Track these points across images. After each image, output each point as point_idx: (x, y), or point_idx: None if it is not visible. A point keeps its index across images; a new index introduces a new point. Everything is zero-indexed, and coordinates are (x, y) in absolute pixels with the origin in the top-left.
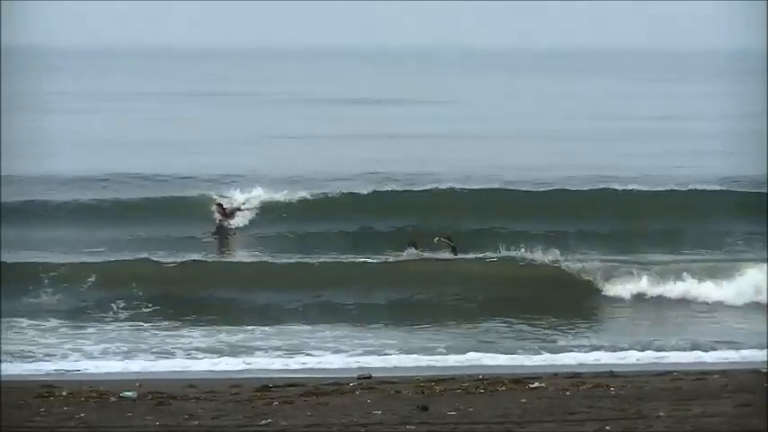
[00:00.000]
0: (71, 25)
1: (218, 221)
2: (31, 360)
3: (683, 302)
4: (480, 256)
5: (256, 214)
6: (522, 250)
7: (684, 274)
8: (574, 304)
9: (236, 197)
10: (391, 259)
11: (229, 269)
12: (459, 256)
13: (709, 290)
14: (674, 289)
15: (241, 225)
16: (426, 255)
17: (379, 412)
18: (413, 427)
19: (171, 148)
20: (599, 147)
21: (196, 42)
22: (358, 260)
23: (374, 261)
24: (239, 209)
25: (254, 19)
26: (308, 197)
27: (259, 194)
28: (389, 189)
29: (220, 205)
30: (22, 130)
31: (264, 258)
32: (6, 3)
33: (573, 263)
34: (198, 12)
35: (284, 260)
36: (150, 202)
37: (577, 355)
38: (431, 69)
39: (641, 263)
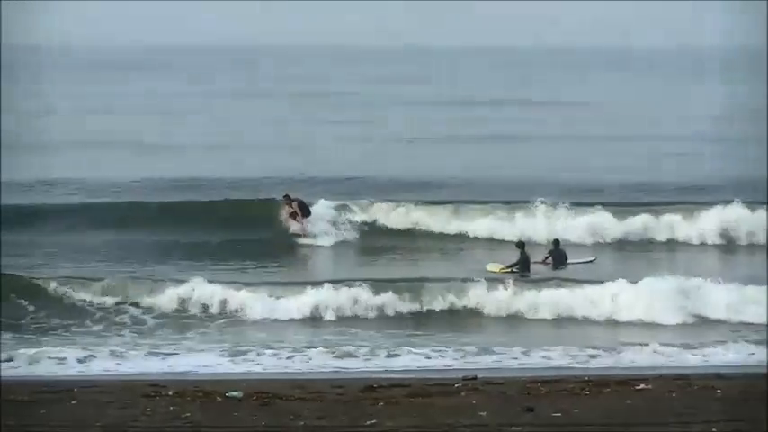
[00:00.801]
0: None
1: (288, 219)
2: (136, 360)
3: None
4: None
5: (361, 223)
6: None
7: None
8: None
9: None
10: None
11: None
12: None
13: None
14: None
15: (329, 243)
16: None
17: (485, 413)
18: (518, 429)
19: (281, 151)
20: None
21: (290, 41)
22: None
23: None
24: (306, 211)
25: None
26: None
27: (365, 202)
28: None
29: (287, 197)
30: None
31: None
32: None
33: None
34: (294, 9)
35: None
36: (252, 205)
37: (686, 357)
38: (539, 69)
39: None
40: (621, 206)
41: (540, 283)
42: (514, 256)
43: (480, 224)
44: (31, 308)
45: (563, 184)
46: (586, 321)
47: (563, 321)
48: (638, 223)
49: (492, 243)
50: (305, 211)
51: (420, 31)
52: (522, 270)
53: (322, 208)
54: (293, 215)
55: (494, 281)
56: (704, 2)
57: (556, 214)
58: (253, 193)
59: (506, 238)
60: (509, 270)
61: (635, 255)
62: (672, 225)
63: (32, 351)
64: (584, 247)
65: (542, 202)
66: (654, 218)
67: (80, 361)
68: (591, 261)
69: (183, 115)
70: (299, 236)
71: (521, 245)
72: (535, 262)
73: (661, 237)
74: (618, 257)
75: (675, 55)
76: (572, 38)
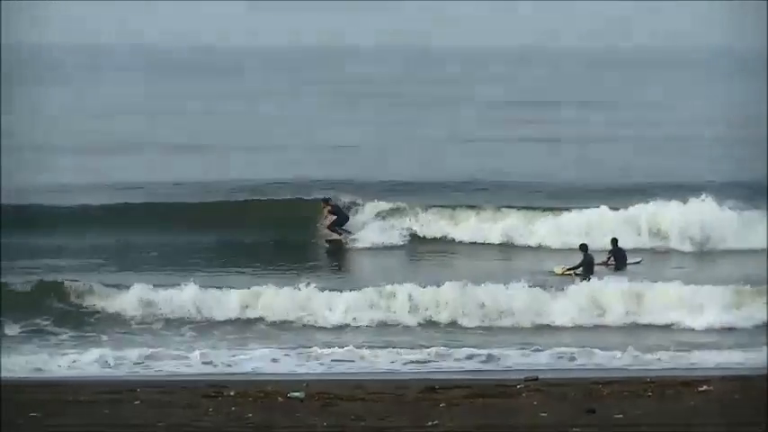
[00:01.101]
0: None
1: (326, 225)
2: (196, 360)
3: None
4: None
5: (415, 227)
6: None
7: None
8: None
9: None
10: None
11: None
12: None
13: None
14: None
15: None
16: None
17: (546, 414)
18: (579, 430)
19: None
20: None
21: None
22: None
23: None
24: (343, 216)
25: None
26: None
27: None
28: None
29: (325, 200)
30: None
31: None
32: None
33: None
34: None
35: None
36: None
37: (747, 357)
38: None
39: None
40: (681, 203)
41: (603, 285)
42: (578, 258)
43: (541, 227)
44: (91, 310)
45: (623, 186)
46: (649, 324)
47: (625, 323)
48: (698, 224)
49: (553, 246)
50: (341, 215)
51: (472, 32)
52: (585, 272)
53: (373, 210)
54: (333, 224)
55: (558, 283)
56: None
57: (613, 217)
58: (313, 193)
59: (567, 242)
60: (571, 272)
61: (696, 256)
62: (731, 226)
63: (93, 352)
64: (643, 249)
65: (597, 206)
66: (712, 219)
67: (141, 361)
68: (638, 262)
69: (227, 116)
70: (340, 241)
71: (584, 247)
72: (599, 264)
73: (720, 239)
74: (677, 260)
75: (732, 55)
76: (641, 39)
